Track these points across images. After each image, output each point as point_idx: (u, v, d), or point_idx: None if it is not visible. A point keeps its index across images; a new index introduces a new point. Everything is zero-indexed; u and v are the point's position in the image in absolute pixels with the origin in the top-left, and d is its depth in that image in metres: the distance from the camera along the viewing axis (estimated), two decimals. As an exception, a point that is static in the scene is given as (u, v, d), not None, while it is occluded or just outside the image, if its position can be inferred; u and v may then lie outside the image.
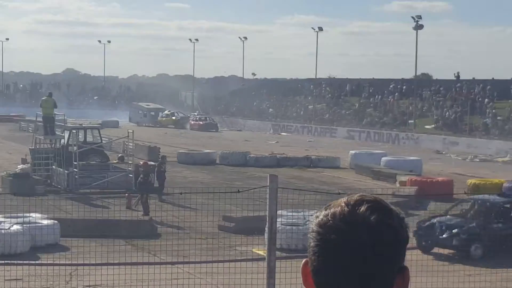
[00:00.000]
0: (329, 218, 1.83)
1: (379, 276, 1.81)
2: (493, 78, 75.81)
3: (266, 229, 8.62)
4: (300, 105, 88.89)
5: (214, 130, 78.37)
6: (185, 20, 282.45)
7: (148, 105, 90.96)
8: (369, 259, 1.79)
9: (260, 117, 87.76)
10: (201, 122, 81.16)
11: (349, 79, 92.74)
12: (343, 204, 1.85)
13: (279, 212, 21.65)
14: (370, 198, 1.87)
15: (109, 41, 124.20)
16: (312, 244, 1.83)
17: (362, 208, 1.82)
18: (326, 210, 1.86)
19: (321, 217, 1.85)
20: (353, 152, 45.51)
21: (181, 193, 12.98)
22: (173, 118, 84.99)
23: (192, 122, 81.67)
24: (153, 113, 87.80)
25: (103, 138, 39.88)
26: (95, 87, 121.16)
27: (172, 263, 18.22)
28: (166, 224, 24.07)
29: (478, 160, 51.68)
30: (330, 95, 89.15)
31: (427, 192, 30.37)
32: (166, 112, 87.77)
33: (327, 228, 1.81)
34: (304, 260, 1.87)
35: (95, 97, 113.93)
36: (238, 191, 10.90)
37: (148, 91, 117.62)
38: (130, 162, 33.53)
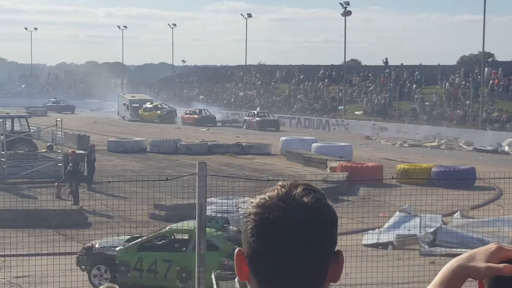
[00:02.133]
0: (267, 199, 1.84)
1: (316, 256, 1.82)
2: (420, 64, 76.96)
3: (196, 217, 8.62)
4: (231, 92, 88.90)
5: (211, 124, 68.19)
6: (113, 7, 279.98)
7: (133, 97, 79.82)
8: (308, 238, 1.81)
9: (190, 104, 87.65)
10: (196, 116, 70.85)
11: (279, 66, 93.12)
12: (279, 187, 1.87)
13: (210, 199, 21.70)
14: (304, 182, 1.90)
15: (35, 28, 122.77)
16: (249, 226, 1.83)
17: (299, 190, 1.85)
18: (262, 194, 1.88)
19: (258, 199, 1.86)
20: (283, 138, 45.71)
21: (109, 182, 12.86)
22: (157, 112, 73.88)
23: (185, 116, 71.53)
24: (137, 105, 75.97)
25: (31, 127, 39.27)
26: (23, 75, 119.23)
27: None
28: (96, 213, 23.85)
29: (407, 145, 52.41)
30: (260, 81, 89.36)
31: (357, 177, 30.67)
32: (147, 104, 75.75)
33: (266, 208, 1.83)
34: (237, 249, 1.86)
35: (23, 85, 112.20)
36: (167, 179, 10.86)
37: (76, 79, 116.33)
38: (59, 151, 33.09)
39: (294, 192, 1.84)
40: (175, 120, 71.88)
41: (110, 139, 46.20)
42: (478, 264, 1.89)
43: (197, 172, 8.56)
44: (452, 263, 1.94)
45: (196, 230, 8.74)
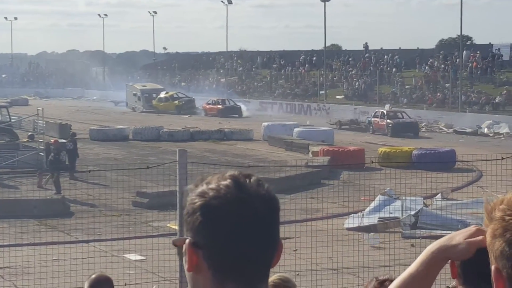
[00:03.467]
0: (224, 189, 1.79)
1: (273, 244, 1.84)
2: (400, 48, 77.22)
3: (177, 204, 8.67)
4: (212, 79, 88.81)
5: (237, 115, 62.14)
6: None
7: (144, 86, 74.06)
8: (267, 227, 1.82)
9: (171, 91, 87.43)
10: (219, 106, 64.04)
11: (260, 52, 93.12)
12: (231, 177, 1.83)
13: (193, 186, 21.76)
14: (249, 173, 1.88)
15: (15, 18, 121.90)
16: (204, 218, 1.78)
17: (252, 180, 1.84)
18: (211, 184, 1.82)
19: (211, 189, 1.80)
20: (265, 124, 45.77)
21: (89, 171, 12.87)
22: (175, 102, 67.86)
23: (207, 106, 65.31)
24: (147, 95, 70.69)
25: (12, 117, 39.09)
26: (3, 65, 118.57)
27: (86, 241, 18.11)
28: (79, 202, 23.85)
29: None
30: (241, 68, 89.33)
31: (339, 161, 30.80)
32: (163, 94, 70.17)
33: (224, 199, 1.78)
34: (188, 241, 1.80)
35: (3, 75, 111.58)
36: (148, 167, 10.89)
37: (58, 68, 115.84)
38: (40, 140, 32.98)
39: (249, 182, 1.82)
40: (196, 110, 66.32)
41: (92, 127, 46.11)
42: (457, 243, 1.97)
43: (177, 159, 8.60)
44: (433, 245, 2.01)
45: (178, 217, 8.80)
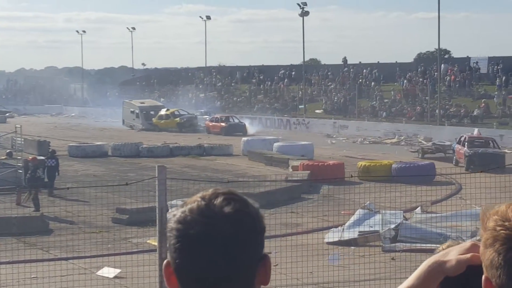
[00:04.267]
0: (187, 214, 1.83)
1: (241, 265, 1.83)
2: (378, 62, 77.57)
3: (157, 220, 8.65)
4: (192, 94, 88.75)
5: (241, 133, 57.46)
6: (72, 12, 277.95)
7: (142, 103, 71.03)
8: (231, 249, 1.81)
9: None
10: (223, 124, 61.18)
11: (239, 67, 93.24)
12: (199, 199, 1.86)
13: (173, 202, 21.65)
14: (224, 191, 1.89)
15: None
16: (172, 241, 1.84)
17: (219, 200, 1.84)
18: (182, 207, 1.87)
19: (178, 214, 1.85)
20: (245, 138, 45.79)
21: (68, 188, 12.81)
22: (176, 119, 65.62)
23: (210, 124, 62.54)
24: (145, 113, 68.17)
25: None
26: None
27: (66, 259, 17.98)
28: (58, 219, 23.69)
29: (367, 142, 52.77)
30: (220, 83, 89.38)
31: (319, 175, 30.82)
32: (163, 111, 67.57)
33: (186, 223, 1.82)
34: (165, 261, 1.86)
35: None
36: (127, 184, 10.84)
37: (36, 85, 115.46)
38: (19, 157, 32.79)
39: (215, 203, 1.84)
40: (197, 128, 63.81)
41: (71, 144, 45.91)
42: (450, 258, 1.96)
43: (156, 175, 8.58)
44: (430, 259, 2.01)
45: (157, 234, 8.77)
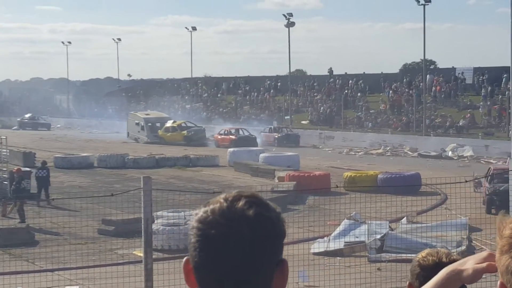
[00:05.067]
0: (209, 214, 1.86)
1: (259, 269, 1.86)
2: (364, 72, 77.88)
3: (142, 231, 8.65)
4: (178, 105, 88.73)
5: (252, 146, 51.47)
6: (57, 23, 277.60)
7: (147, 114, 68.08)
8: (249, 252, 1.84)
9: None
10: (233, 137, 57.66)
11: (225, 77, 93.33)
12: (221, 200, 1.89)
13: (159, 213, 21.69)
14: (247, 194, 1.92)
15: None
16: (193, 240, 1.87)
17: (241, 203, 1.87)
18: (205, 207, 1.90)
19: (200, 213, 1.88)
20: (231, 149, 45.77)
21: (53, 199, 12.79)
22: (183, 132, 62.22)
23: (219, 137, 59.29)
24: (151, 125, 65.14)
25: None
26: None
27: (51, 270, 17.91)
28: (44, 230, 23.61)
29: (353, 153, 52.87)
30: (206, 94, 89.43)
31: (305, 186, 30.81)
32: (170, 123, 64.51)
33: (207, 224, 1.85)
34: (185, 258, 1.90)
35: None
36: (112, 195, 10.84)
37: (22, 96, 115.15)
38: (4, 169, 32.68)
39: (236, 206, 1.86)
40: (205, 141, 60.58)
41: (57, 155, 45.76)
42: (467, 267, 2.02)
43: (142, 186, 8.58)
44: (448, 267, 2.06)
45: (143, 244, 8.77)
